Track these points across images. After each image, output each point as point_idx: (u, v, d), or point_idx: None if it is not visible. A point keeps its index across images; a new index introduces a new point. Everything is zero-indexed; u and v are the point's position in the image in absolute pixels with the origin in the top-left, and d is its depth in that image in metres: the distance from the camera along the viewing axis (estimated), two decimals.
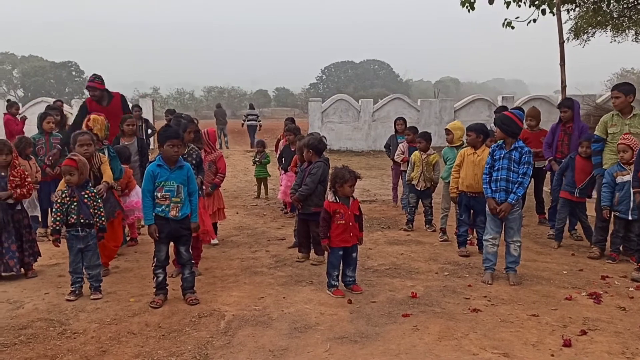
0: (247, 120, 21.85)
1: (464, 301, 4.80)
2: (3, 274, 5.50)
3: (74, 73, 58.24)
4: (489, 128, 6.60)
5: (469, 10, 11.36)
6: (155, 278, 4.84)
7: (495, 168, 5.37)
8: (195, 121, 6.24)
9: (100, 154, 5.77)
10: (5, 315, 4.57)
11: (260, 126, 21.82)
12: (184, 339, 4.08)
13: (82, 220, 4.96)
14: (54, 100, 15.98)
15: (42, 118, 7.57)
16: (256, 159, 10.80)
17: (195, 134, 5.99)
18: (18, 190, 5.51)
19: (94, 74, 7.75)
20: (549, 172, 7.86)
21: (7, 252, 5.45)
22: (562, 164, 6.91)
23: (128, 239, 6.89)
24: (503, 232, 5.46)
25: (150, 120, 14.72)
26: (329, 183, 5.25)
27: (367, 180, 12.63)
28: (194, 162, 5.58)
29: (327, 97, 24.87)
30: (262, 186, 10.76)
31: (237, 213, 9.01)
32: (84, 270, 5.06)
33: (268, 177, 10.87)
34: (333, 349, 3.88)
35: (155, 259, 4.83)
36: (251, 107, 23.58)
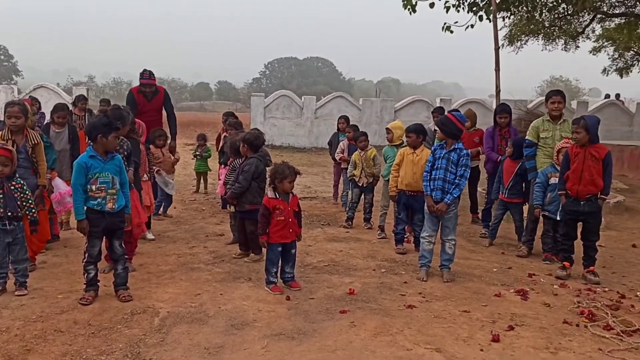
0: None
1: (400, 297, 4.90)
2: None
3: (2, 57, 55.25)
4: (427, 128, 6.75)
5: (410, 13, 11.57)
6: (86, 274, 4.65)
7: (435, 167, 5.51)
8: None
9: (36, 133, 5.58)
10: None
11: None
12: (115, 336, 3.95)
13: (9, 214, 4.72)
14: None
15: None
16: (197, 153, 10.62)
17: (131, 125, 5.86)
18: None
19: (146, 70, 8.03)
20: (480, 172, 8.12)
21: None
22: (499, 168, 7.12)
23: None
24: (439, 230, 5.61)
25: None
26: (267, 179, 5.21)
27: (309, 177, 12.66)
28: (125, 153, 5.41)
29: (270, 92, 24.74)
30: (202, 180, 10.59)
31: (175, 208, 8.82)
32: (9, 265, 4.82)
33: (208, 172, 10.71)
34: (270, 345, 3.87)
35: (87, 255, 4.65)
36: None
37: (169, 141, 8.15)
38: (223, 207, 8.28)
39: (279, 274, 5.11)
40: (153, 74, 8.09)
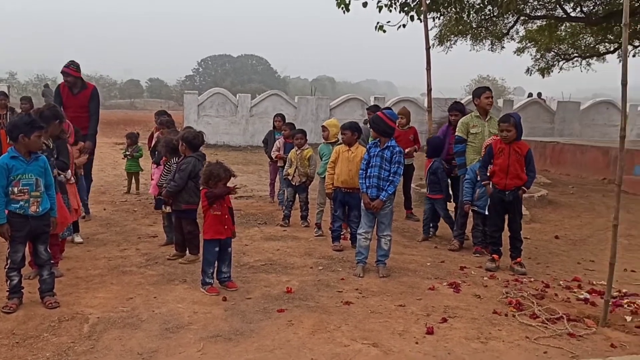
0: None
1: (337, 294, 4.94)
2: None
3: None
4: (362, 126, 6.84)
5: (344, 12, 11.67)
6: (8, 281, 4.41)
7: (370, 165, 5.60)
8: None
9: None
10: None
11: None
12: (42, 345, 3.77)
13: None
14: None
15: None
16: (127, 153, 10.28)
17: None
18: None
19: (71, 60, 7.81)
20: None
21: None
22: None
23: None
24: (375, 226, 5.69)
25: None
26: (202, 179, 5.10)
27: (245, 175, 12.54)
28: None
29: (203, 90, 24.34)
30: (134, 181, 10.27)
31: (105, 209, 8.51)
32: None
33: (140, 172, 10.40)
34: (206, 348, 3.80)
35: (9, 261, 4.40)
36: (47, 86, 26.57)
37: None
38: (156, 207, 8.05)
39: (215, 275, 5.03)
40: (75, 65, 7.78)
